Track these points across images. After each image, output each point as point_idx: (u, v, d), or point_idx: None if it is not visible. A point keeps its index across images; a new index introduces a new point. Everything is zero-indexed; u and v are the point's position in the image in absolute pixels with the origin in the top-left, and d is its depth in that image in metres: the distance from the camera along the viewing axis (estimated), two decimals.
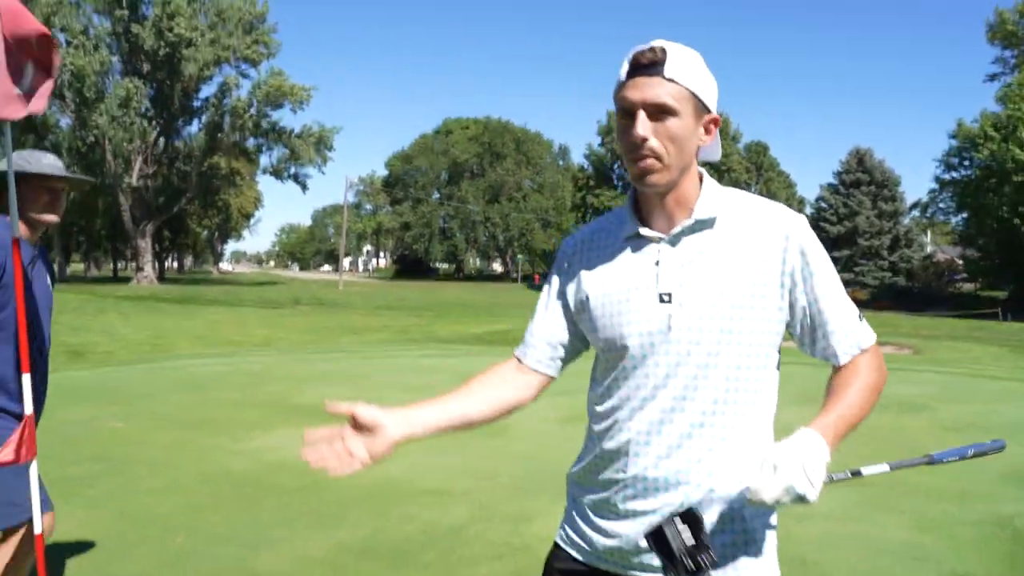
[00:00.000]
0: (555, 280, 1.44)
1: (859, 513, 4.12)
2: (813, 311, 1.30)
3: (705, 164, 1.39)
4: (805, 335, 1.32)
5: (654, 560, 1.22)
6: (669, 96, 1.22)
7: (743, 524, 1.27)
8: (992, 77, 49.44)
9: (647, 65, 1.22)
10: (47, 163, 2.37)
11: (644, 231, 1.32)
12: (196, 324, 17.47)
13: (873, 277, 46.38)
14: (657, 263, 1.30)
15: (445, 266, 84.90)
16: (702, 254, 1.29)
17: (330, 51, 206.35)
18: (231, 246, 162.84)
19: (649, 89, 1.22)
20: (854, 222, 47.75)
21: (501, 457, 5.38)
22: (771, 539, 1.31)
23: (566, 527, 1.42)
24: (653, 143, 1.23)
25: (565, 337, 1.42)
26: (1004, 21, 45.12)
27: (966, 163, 38.49)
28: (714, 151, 1.36)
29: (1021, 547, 3.61)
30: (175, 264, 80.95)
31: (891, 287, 43.01)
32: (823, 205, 50.79)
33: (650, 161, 1.24)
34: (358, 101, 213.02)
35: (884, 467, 1.31)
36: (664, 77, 1.22)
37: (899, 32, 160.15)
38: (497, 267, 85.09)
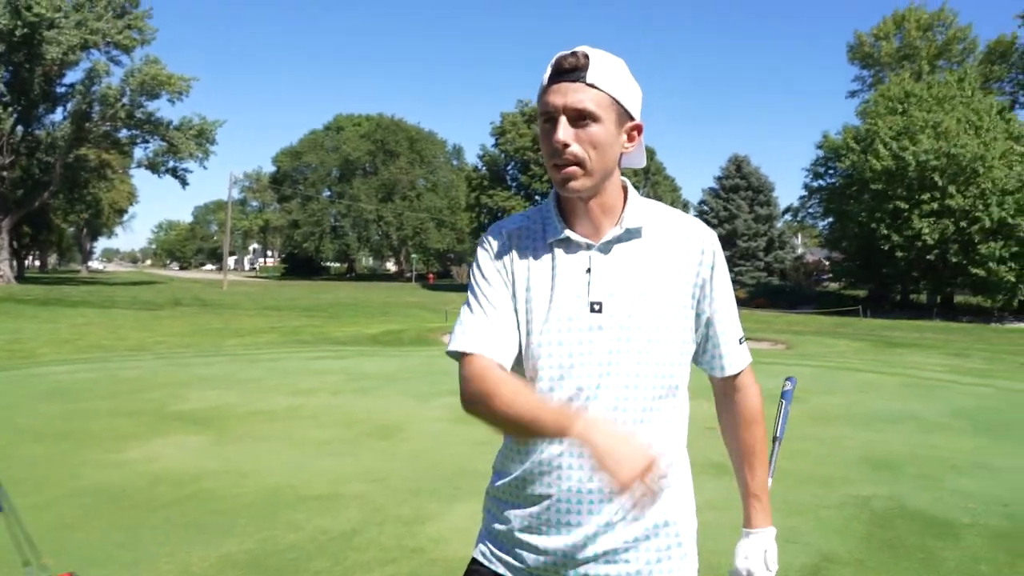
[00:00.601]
0: (484, 270, 1.33)
1: (737, 502, 4.36)
2: (711, 323, 1.35)
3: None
4: (702, 345, 1.37)
5: (591, 570, 1.26)
6: (591, 102, 1.22)
7: (675, 527, 1.32)
8: (852, 94, 53.66)
9: (569, 70, 1.22)
10: None
11: (574, 236, 1.30)
12: (60, 327, 16.20)
13: (751, 277, 49.22)
14: (589, 271, 1.28)
15: (336, 265, 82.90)
16: (632, 263, 1.29)
17: (214, 42, 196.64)
18: (102, 244, 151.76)
19: (571, 94, 1.22)
20: (733, 224, 50.50)
21: (392, 458, 5.33)
22: (694, 540, 1.38)
23: (488, 544, 1.37)
24: (575, 148, 1.23)
25: (509, 320, 1.30)
26: (862, 43, 49.13)
27: (831, 172, 41.55)
28: (638, 158, 1.36)
29: (877, 528, 3.95)
30: (36, 263, 74.69)
31: (766, 286, 45.80)
32: (705, 208, 53.35)
33: (572, 168, 1.24)
34: (244, 95, 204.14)
35: (769, 481, 1.53)
36: (586, 83, 1.22)
37: (773, 47, 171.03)
38: (391, 266, 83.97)
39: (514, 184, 53.24)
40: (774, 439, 1.62)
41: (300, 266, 75.86)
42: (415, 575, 3.32)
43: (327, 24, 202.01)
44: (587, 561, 1.27)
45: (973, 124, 34.20)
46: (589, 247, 1.30)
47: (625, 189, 1.34)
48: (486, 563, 1.36)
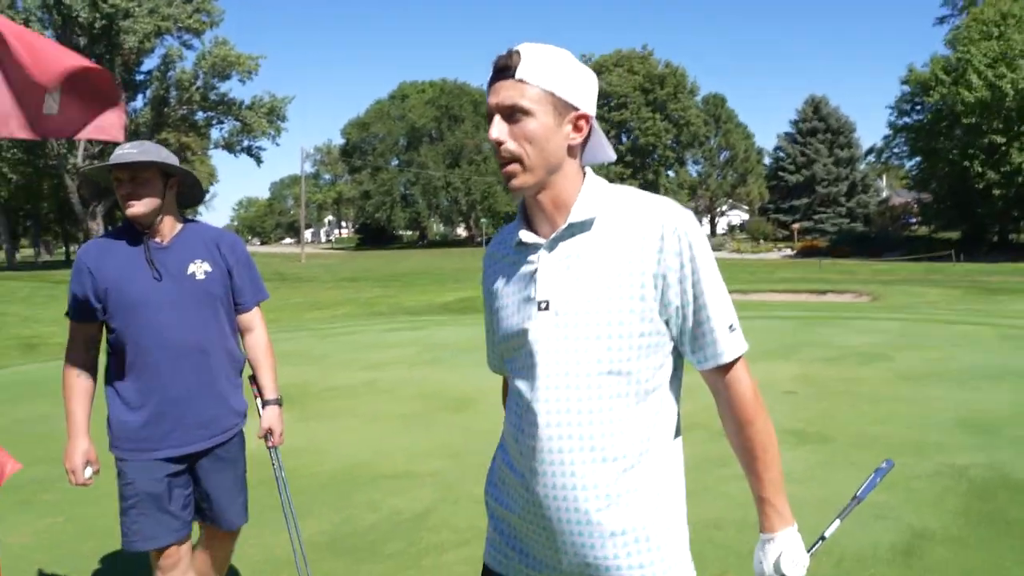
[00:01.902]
0: (483, 291, 1.45)
1: (821, 473, 4.19)
2: (686, 314, 1.27)
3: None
4: (680, 338, 1.30)
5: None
6: (521, 97, 1.22)
7: (646, 533, 1.27)
8: (941, 20, 50.03)
9: (501, 69, 1.24)
10: (115, 155, 2.16)
11: (526, 237, 1.31)
12: None
13: (832, 224, 47.20)
14: (535, 271, 1.29)
15: (408, 233, 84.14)
16: (579, 258, 1.27)
17: (277, 18, 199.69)
18: None
19: (503, 92, 1.23)
20: (812, 170, 48.38)
21: (466, 433, 5.36)
22: (680, 547, 1.31)
23: (489, 548, 1.42)
24: (510, 145, 1.24)
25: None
26: None
27: (918, 108, 39.00)
28: (599, 152, 1.33)
29: (976, 500, 3.70)
30: None
31: (849, 233, 43.83)
32: (781, 155, 51.29)
33: (511, 165, 1.25)
34: (310, 69, 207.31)
35: (837, 522, 1.48)
36: (515, 79, 1.22)
37: None
38: (461, 231, 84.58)
39: None
40: (854, 497, 1.56)
41: (373, 236, 77.32)
42: None
43: None
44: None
45: None
46: (539, 247, 1.30)
47: (584, 177, 1.31)
48: (492, 564, 1.42)
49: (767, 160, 57.60)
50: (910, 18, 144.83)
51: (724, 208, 67.52)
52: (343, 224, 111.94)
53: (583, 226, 1.28)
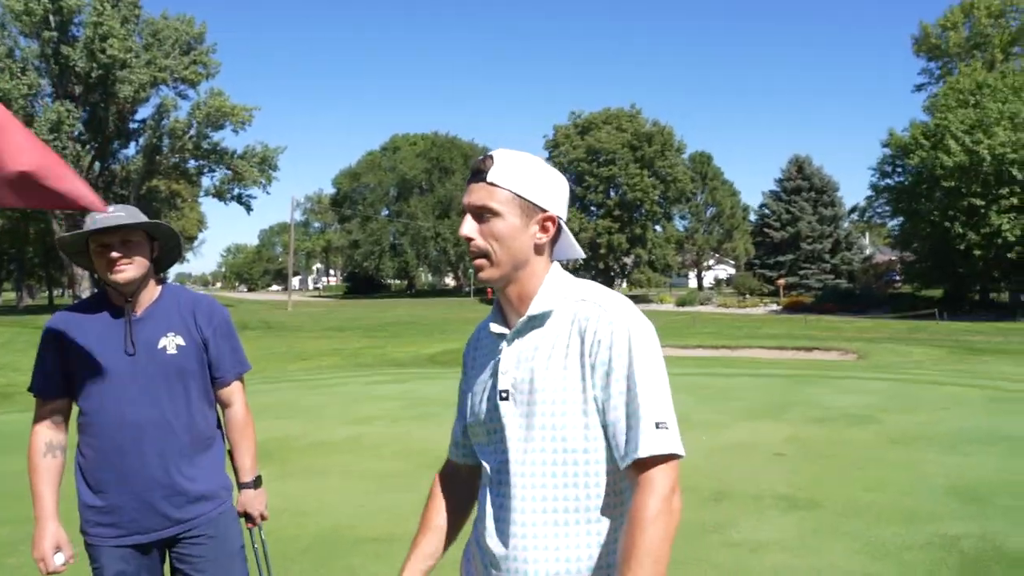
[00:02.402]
0: (462, 373, 1.56)
1: (813, 542, 4.11)
2: (610, 408, 1.29)
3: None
4: (607, 435, 1.30)
5: None
6: (491, 199, 1.33)
7: None
8: (919, 87, 51.55)
9: (477, 172, 1.36)
10: (96, 220, 2.03)
11: (495, 328, 1.41)
12: None
13: (817, 280, 47.63)
14: (498, 361, 1.39)
15: (396, 282, 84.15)
16: (535, 351, 1.35)
17: (272, 70, 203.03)
18: (175, 268, 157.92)
19: (475, 193, 1.35)
20: (796, 227, 49.07)
21: None
22: None
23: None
24: (479, 242, 1.35)
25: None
26: (928, 35, 47.20)
27: (899, 170, 39.89)
28: (569, 250, 1.44)
29: (970, 573, 3.63)
30: None
31: (834, 289, 44.20)
32: (766, 212, 52.08)
33: (479, 260, 1.36)
34: (303, 119, 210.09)
35: None
36: (487, 182, 1.34)
37: (832, 42, 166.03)
38: (449, 281, 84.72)
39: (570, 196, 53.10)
40: None
41: (361, 284, 77.31)
42: None
43: (381, 45, 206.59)
44: None
45: None
46: (503, 336, 1.39)
47: (548, 274, 1.39)
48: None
49: (752, 216, 58.46)
50: (891, 83, 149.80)
51: (711, 263, 68.20)
52: (331, 272, 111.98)
53: (539, 320, 1.36)
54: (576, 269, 53.18)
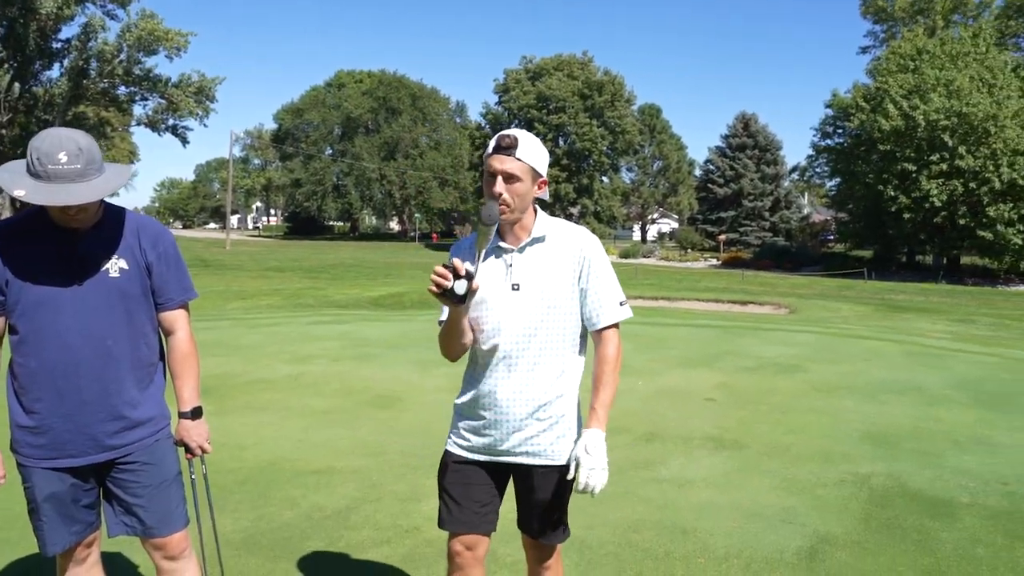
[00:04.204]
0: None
1: (737, 479, 4.35)
2: (590, 293, 2.11)
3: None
4: (583, 309, 2.12)
5: (507, 448, 2.13)
6: (518, 170, 2.01)
7: (563, 416, 2.13)
8: (864, 50, 52.57)
9: (506, 147, 2.01)
10: (47, 171, 1.86)
11: (503, 244, 2.12)
12: None
13: (756, 237, 48.94)
14: (510, 265, 2.10)
15: (340, 224, 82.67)
16: (537, 258, 2.10)
17: None
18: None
19: (507, 164, 2.01)
20: (739, 184, 50.04)
21: (391, 432, 5.31)
22: (575, 427, 2.15)
23: (454, 437, 2.23)
24: (506, 197, 2.03)
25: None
26: None
27: (840, 131, 40.92)
28: (545, 194, 2.14)
29: (877, 507, 3.92)
30: None
31: (772, 247, 45.54)
32: (711, 167, 52.87)
33: (504, 207, 2.03)
34: (243, 49, 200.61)
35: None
36: (516, 157, 2.01)
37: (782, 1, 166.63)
38: (394, 225, 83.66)
39: None
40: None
41: (303, 225, 75.59)
42: (410, 555, 3.32)
43: None
44: (509, 449, 2.14)
45: (987, 82, 33.52)
46: (511, 250, 2.11)
47: (536, 212, 2.14)
48: (453, 449, 2.21)
49: (698, 172, 59.28)
50: (837, 46, 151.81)
51: (655, 216, 69.17)
52: (272, 212, 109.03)
53: (540, 239, 2.12)
54: None
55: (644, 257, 42.59)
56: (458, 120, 75.05)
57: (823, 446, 5.03)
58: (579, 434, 2.09)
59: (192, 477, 2.38)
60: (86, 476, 2.14)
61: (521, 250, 2.08)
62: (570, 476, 2.01)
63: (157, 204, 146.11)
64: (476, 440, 2.15)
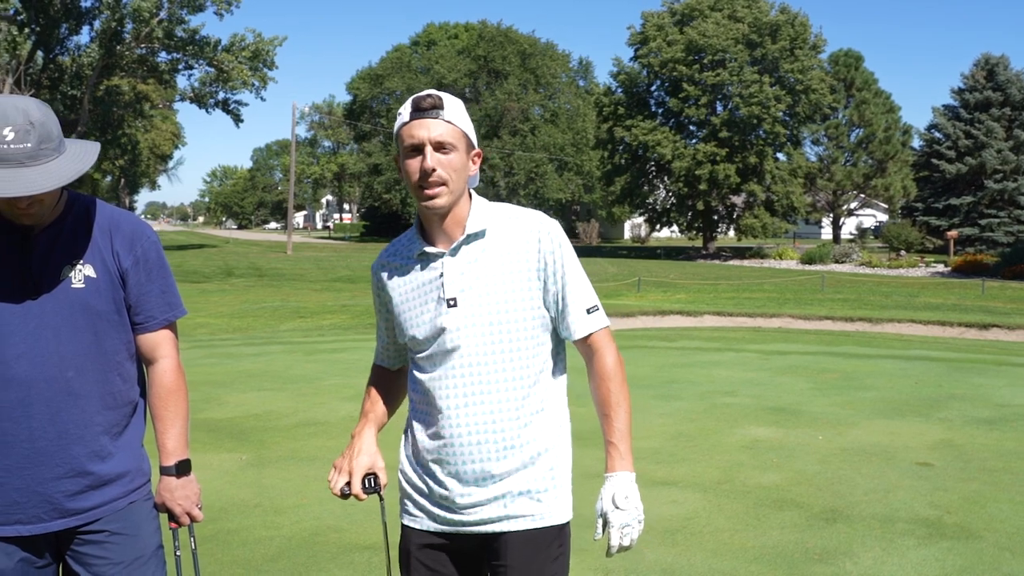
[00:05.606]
0: (375, 299, 2.28)
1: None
2: (557, 298, 2.10)
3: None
4: (554, 317, 2.13)
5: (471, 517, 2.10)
6: (450, 135, 2.00)
7: (533, 467, 2.08)
8: None
9: (428, 109, 1.99)
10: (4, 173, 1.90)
11: (429, 249, 2.08)
12: None
13: (1005, 232, 46.13)
14: (441, 275, 2.07)
15: None
16: (476, 262, 2.06)
17: None
18: (144, 197, 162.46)
19: (435, 129, 1.98)
20: (980, 157, 47.44)
21: None
22: (567, 472, 2.15)
23: (406, 508, 2.30)
24: (441, 173, 1.98)
25: (395, 340, 2.26)
26: None
27: None
28: (473, 180, 2.13)
29: None
30: None
31: None
32: (937, 135, 50.54)
33: (439, 188, 1.99)
34: (308, 3, 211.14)
35: None
36: (444, 120, 1.99)
37: None
38: None
39: (661, 110, 52.36)
40: None
41: (383, 223, 78.18)
42: None
43: None
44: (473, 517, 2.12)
45: None
46: (441, 255, 2.07)
47: (472, 199, 2.11)
48: (411, 524, 2.28)
49: (916, 143, 56.68)
50: None
51: (853, 206, 66.55)
52: (345, 207, 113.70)
53: (479, 235, 2.07)
54: (664, 212, 52.54)
55: (837, 262, 41.02)
56: (581, 83, 75.59)
57: None
58: (567, 480, 2.14)
59: (177, 553, 2.37)
60: (40, 549, 2.13)
61: (454, 252, 2.06)
62: (596, 537, 2.02)
63: (207, 199, 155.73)
64: (433, 510, 2.15)
